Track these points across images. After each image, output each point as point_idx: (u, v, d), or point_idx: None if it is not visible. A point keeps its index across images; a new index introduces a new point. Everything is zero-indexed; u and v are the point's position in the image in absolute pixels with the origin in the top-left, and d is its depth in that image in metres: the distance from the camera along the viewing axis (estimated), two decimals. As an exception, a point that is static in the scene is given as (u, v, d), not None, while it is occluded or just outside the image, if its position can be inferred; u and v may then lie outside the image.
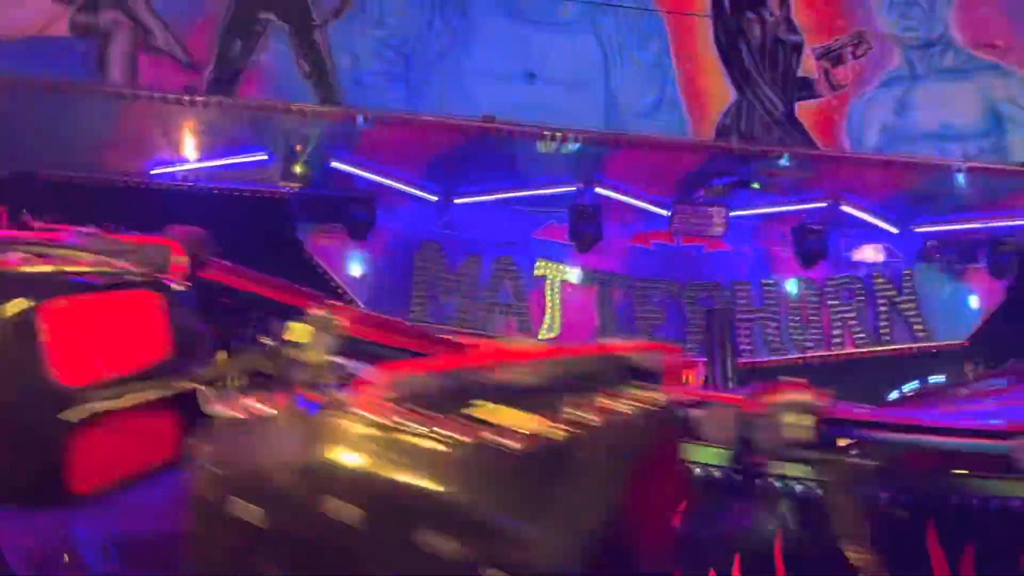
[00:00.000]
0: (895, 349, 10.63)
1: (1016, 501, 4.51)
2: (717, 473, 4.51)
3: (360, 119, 9.06)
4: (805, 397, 4.24)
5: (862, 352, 10.53)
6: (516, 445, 1.78)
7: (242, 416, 1.88)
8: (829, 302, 10.63)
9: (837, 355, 10.49)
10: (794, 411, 4.04)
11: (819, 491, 4.25)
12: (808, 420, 4.01)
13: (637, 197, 10.08)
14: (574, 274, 10.31)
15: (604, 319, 10.21)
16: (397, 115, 9.24)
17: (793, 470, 4.45)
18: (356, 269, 9.77)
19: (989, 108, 10.59)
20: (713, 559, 4.34)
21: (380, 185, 9.67)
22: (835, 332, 10.57)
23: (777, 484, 4.49)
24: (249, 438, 1.86)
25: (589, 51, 10.18)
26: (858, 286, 10.70)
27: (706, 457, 4.53)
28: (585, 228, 9.90)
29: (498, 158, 9.49)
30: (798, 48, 10.45)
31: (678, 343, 10.23)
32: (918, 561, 4.48)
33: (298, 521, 1.71)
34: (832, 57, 10.49)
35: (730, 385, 9.55)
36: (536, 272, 10.22)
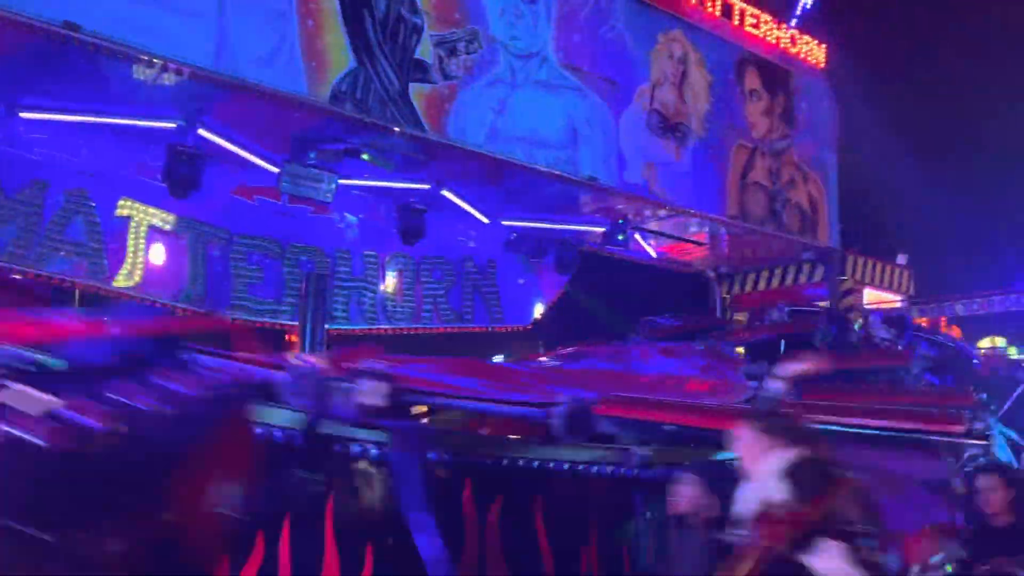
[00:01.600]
0: (475, 328, 10.62)
1: (539, 462, 4.42)
2: (280, 435, 3.73)
3: None
4: (380, 364, 3.53)
5: (447, 329, 10.32)
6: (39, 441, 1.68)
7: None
8: (423, 279, 10.25)
9: (426, 330, 10.14)
10: (370, 378, 3.35)
11: (385, 455, 3.62)
12: (383, 388, 3.37)
13: (244, 147, 8.68)
14: (164, 219, 8.56)
15: (195, 272, 8.63)
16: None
17: (364, 434, 3.79)
18: None
19: (569, 124, 11.01)
20: (262, 521, 3.50)
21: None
22: (425, 308, 10.22)
23: (352, 448, 3.86)
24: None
25: (205, -20, 8.51)
26: (449, 267, 10.49)
27: (280, 420, 3.69)
28: (182, 171, 8.19)
29: (83, 74, 7.46)
30: (418, 31, 9.85)
31: (275, 304, 9.11)
32: (456, 513, 4.18)
33: None
34: (447, 48, 10.07)
35: (320, 350, 8.69)
36: (118, 212, 8.29)
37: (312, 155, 8.87)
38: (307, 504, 4.14)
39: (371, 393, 3.90)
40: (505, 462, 4.46)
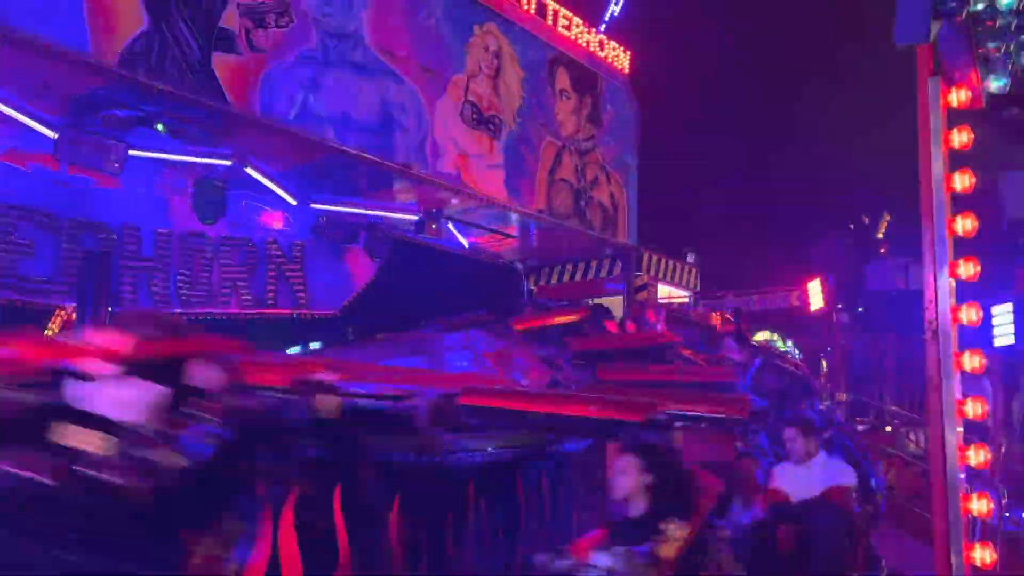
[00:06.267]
0: (277, 314, 10.04)
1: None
2: None
3: None
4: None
5: (247, 313, 9.67)
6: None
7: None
8: (222, 261, 9.51)
9: (223, 314, 9.44)
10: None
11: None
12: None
13: (18, 108, 7.63)
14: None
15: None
16: None
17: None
18: None
19: (383, 108, 10.67)
20: None
21: None
22: (223, 291, 9.50)
23: None
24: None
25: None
26: (251, 249, 9.83)
27: None
28: (-64, 129, 7.09)
29: None
30: (224, -2, 9.12)
31: (48, 282, 8.10)
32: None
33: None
34: (255, 18, 9.41)
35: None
36: None
37: (97, 121, 7.95)
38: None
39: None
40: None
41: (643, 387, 5.48)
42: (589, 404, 3.86)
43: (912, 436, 11.82)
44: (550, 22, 12.93)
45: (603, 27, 14.39)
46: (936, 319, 3.11)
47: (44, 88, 7.76)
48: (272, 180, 9.62)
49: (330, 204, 10.43)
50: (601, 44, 13.89)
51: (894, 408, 12.77)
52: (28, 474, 2.20)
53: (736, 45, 17.48)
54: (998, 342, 9.89)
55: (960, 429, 3.02)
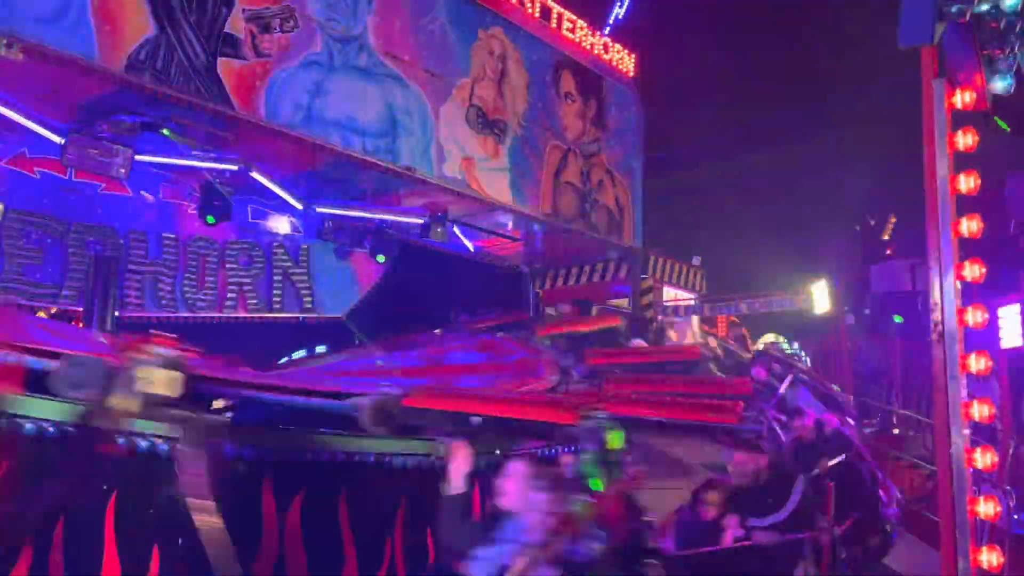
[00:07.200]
0: (283, 317, 10.06)
1: (340, 454, 4.27)
2: (52, 430, 3.13)
3: None
4: (172, 353, 3.12)
5: (253, 317, 9.69)
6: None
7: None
8: (228, 265, 9.54)
9: (229, 318, 9.46)
10: (159, 367, 2.92)
11: (165, 447, 3.26)
12: (174, 376, 2.96)
13: (24, 114, 7.67)
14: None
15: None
16: None
17: (148, 427, 3.38)
18: None
19: (388, 112, 10.68)
20: (29, 527, 3.02)
21: None
22: (230, 295, 9.52)
23: (122, 441, 3.27)
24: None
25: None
26: (258, 253, 9.85)
27: (48, 412, 3.20)
28: (-56, 134, 7.13)
29: None
30: (228, 3, 9.15)
31: (55, 287, 8.14)
32: (254, 509, 3.94)
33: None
34: (261, 24, 9.43)
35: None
36: None
37: (104, 127, 7.98)
38: (84, 506, 3.71)
39: (162, 382, 3.49)
40: (308, 455, 4.19)
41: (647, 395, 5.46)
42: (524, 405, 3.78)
43: (919, 438, 11.77)
44: (555, 25, 12.94)
45: (608, 30, 14.39)
46: (942, 321, 3.10)
47: (51, 94, 7.80)
48: (278, 184, 9.65)
49: (336, 208, 10.46)
50: (606, 47, 13.89)
51: (901, 411, 12.73)
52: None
53: (742, 46, 17.45)
54: (1005, 344, 9.84)
55: (967, 431, 3.01)
